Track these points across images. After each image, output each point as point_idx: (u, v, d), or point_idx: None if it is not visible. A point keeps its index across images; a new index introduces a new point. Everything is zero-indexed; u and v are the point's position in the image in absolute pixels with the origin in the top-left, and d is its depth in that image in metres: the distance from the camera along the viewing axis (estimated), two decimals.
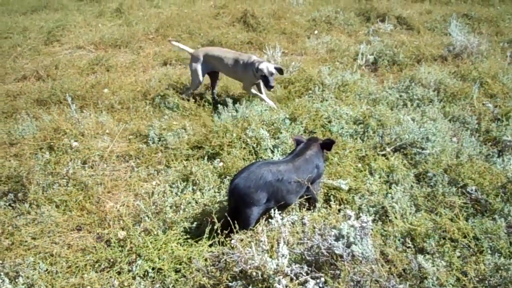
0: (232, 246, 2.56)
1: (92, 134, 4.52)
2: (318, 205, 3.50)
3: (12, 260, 3.08)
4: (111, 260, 3.11)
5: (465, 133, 4.48)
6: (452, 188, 3.55)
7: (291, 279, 2.45)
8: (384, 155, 4.12)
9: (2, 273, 2.90)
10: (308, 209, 3.49)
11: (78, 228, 3.51)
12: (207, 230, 3.14)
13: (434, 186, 3.67)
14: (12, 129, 4.65)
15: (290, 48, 7.62)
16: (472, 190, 3.44)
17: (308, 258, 2.57)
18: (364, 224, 2.73)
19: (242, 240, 2.85)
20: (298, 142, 3.54)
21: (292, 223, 3.18)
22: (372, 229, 2.90)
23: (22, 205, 3.57)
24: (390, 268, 2.78)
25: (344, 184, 3.62)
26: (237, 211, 3.13)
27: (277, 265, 2.44)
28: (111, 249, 3.18)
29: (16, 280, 2.85)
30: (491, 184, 3.49)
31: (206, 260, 2.97)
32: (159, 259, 3.06)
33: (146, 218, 3.35)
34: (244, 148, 4.20)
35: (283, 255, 2.51)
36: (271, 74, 4.97)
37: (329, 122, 4.64)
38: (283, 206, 3.31)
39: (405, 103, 5.17)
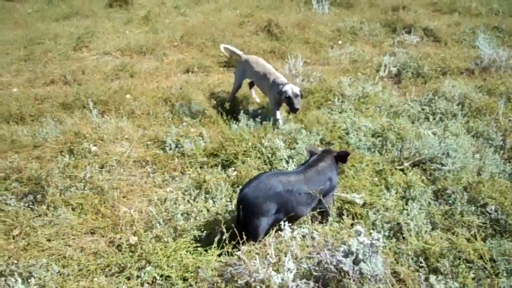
0: (238, 257, 2.54)
1: (111, 139, 4.61)
2: (330, 219, 3.45)
3: (26, 260, 3.15)
4: (121, 265, 3.15)
5: (489, 150, 4.34)
6: (471, 207, 3.43)
7: None
8: (402, 169, 4.03)
9: (16, 273, 2.97)
10: (320, 222, 3.44)
11: (92, 232, 3.57)
12: (216, 239, 3.13)
13: (452, 204, 3.56)
14: (36, 132, 4.79)
15: (313, 58, 7.58)
16: (491, 209, 3.31)
17: (315, 273, 2.52)
18: (374, 241, 2.66)
19: (250, 251, 2.84)
20: (311, 153, 3.50)
21: (302, 236, 3.14)
22: (384, 246, 2.83)
23: (40, 207, 3.67)
24: (401, 287, 2.71)
25: (359, 198, 3.56)
26: (246, 221, 3.12)
27: (283, 279, 2.40)
28: (121, 254, 3.23)
29: (29, 281, 2.91)
30: None
31: (213, 270, 2.95)
32: (167, 266, 3.07)
33: (157, 224, 3.37)
34: (259, 157, 4.19)
35: (289, 269, 2.47)
36: (296, 96, 4.73)
37: (347, 133, 4.58)
38: (293, 218, 3.27)
39: (427, 116, 5.05)
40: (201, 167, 4.23)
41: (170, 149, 4.58)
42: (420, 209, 3.48)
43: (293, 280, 2.50)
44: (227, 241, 2.98)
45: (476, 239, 3.10)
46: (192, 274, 2.99)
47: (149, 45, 8.10)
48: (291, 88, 4.76)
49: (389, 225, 3.35)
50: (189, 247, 3.23)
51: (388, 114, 5.13)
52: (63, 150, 4.38)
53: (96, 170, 4.11)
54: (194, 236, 3.30)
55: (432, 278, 2.67)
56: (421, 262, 2.92)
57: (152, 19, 10.20)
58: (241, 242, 2.91)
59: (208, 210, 3.53)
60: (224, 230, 3.01)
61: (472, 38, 8.06)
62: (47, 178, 3.76)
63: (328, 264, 2.54)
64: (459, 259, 2.93)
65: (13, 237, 3.46)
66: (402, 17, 8.93)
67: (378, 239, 2.68)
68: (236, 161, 4.12)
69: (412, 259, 2.99)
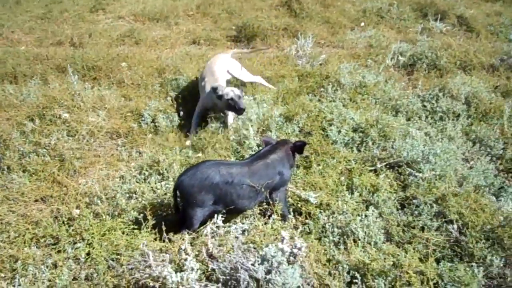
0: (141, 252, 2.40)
1: (88, 107, 4.54)
2: (290, 216, 3.23)
3: None
4: (57, 237, 3.11)
5: (484, 158, 3.93)
6: (434, 222, 3.10)
7: None
8: (374, 170, 3.71)
9: None
10: (269, 217, 3.22)
11: (43, 200, 3.55)
12: (150, 223, 3.02)
13: (418, 216, 3.23)
14: (19, 92, 4.80)
15: (328, 39, 7.15)
16: (453, 228, 2.97)
17: (222, 276, 2.34)
18: (295, 250, 2.44)
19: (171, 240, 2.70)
20: (266, 143, 3.27)
21: (242, 231, 2.96)
22: (308, 256, 2.60)
23: None
24: None
25: (314, 197, 3.30)
26: (181, 209, 2.97)
27: (182, 278, 2.24)
28: (59, 226, 3.18)
29: None
30: (482, 225, 2.99)
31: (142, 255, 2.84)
32: (99, 245, 2.99)
33: (99, 201, 3.29)
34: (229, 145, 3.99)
35: (192, 269, 2.31)
36: (239, 97, 4.25)
37: (330, 125, 4.27)
38: (235, 211, 3.09)
39: (426, 115, 4.63)
40: (170, 149, 4.06)
41: (146, 123, 4.46)
42: (378, 217, 3.19)
43: (199, 280, 2.34)
44: (163, 227, 2.86)
45: (427, 259, 2.79)
46: (119, 256, 2.90)
47: (163, 12, 7.94)
48: (232, 91, 4.28)
49: (340, 230, 3.09)
50: (126, 228, 3.13)
51: (384, 108, 4.74)
52: (34, 114, 4.35)
53: (63, 138, 4.06)
54: (135, 217, 3.19)
55: None
56: (355, 278, 2.67)
57: None
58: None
59: (154, 191, 3.40)
60: (149, 216, 2.87)
61: (510, 31, 7.32)
62: (5, 141, 3.75)
63: (239, 269, 2.35)
64: (399, 280, 2.65)
65: None
66: (436, 2, 8.20)
67: (300, 248, 2.46)
68: (206, 148, 3.94)
69: (348, 272, 2.73)
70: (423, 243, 2.98)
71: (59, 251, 3.02)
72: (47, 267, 2.86)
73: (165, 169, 3.60)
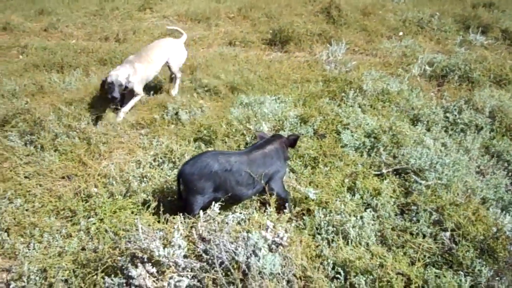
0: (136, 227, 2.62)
1: None
2: (291, 204, 3.36)
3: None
4: (74, 211, 3.42)
5: (499, 172, 3.85)
6: (429, 229, 3.11)
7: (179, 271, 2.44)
8: (380, 175, 3.74)
9: None
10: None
11: (69, 177, 3.89)
12: (153, 205, 3.26)
13: (416, 222, 3.25)
14: (62, 81, 5.25)
15: (362, 47, 7.16)
16: (445, 236, 2.97)
17: (206, 256, 2.52)
18: (276, 239, 2.57)
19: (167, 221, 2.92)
20: (261, 138, 3.45)
21: (238, 222, 3.11)
22: (294, 248, 2.72)
23: (30, 147, 4.08)
24: None
25: (313, 193, 3.40)
26: (183, 196, 3.18)
27: (168, 253, 2.45)
28: (77, 201, 3.50)
29: None
30: (475, 235, 2.97)
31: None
32: (110, 222, 3.27)
33: (114, 182, 3.58)
34: (243, 139, 4.17)
35: (179, 246, 2.51)
36: (120, 84, 4.42)
37: (345, 129, 4.34)
38: (235, 199, 3.26)
39: (447, 125, 4.58)
40: (184, 139, 4.30)
41: (167, 116, 4.73)
42: (375, 220, 3.24)
43: (185, 257, 2.53)
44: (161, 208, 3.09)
45: (414, 264, 2.83)
46: (127, 232, 3.14)
47: (205, 13, 8.28)
48: (115, 75, 4.42)
49: (334, 229, 3.18)
50: (134, 207, 3.39)
51: (405, 116, 4.73)
52: (70, 101, 4.75)
53: (91, 123, 4.42)
54: (144, 199, 3.45)
55: None
56: (338, 273, 2.75)
57: None
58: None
59: (164, 178, 3.64)
60: (153, 199, 3.10)
61: None
62: (42, 122, 4.15)
63: (223, 251, 2.52)
64: (381, 281, 2.70)
65: (3, 169, 3.91)
66: (480, 15, 7.98)
67: (282, 238, 2.59)
68: (215, 141, 4.14)
69: (333, 268, 2.82)
70: (414, 248, 3.00)
71: (74, 224, 3.33)
72: (61, 236, 3.17)
73: (177, 158, 3.84)
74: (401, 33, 7.80)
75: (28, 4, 9.55)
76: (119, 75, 4.43)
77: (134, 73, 4.61)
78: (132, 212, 3.37)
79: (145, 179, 3.61)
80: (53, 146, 4.13)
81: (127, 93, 4.66)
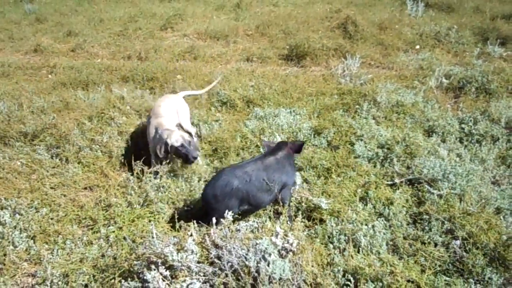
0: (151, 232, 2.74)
1: (137, 112, 5.10)
2: (287, 208, 3.43)
3: (26, 199, 3.76)
4: (95, 220, 3.59)
5: None
6: (440, 238, 3.12)
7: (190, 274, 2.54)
8: (393, 185, 3.78)
9: (9, 208, 3.60)
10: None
11: (91, 188, 4.08)
12: (168, 213, 3.40)
13: (428, 232, 3.26)
14: (86, 97, 5.52)
15: (379, 61, 7.22)
16: (456, 244, 2.98)
17: (217, 261, 2.62)
18: (286, 245, 2.65)
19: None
20: (267, 146, 3.56)
21: (251, 230, 3.20)
22: (305, 255, 2.78)
23: (55, 160, 4.30)
24: None
25: (325, 203, 3.47)
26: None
27: (181, 258, 2.55)
28: (98, 210, 3.66)
29: (15, 216, 3.52)
30: (486, 244, 2.97)
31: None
32: (128, 230, 3.42)
33: (132, 192, 3.73)
34: (256, 151, 4.28)
35: (192, 252, 2.61)
36: (190, 143, 3.90)
37: (359, 140, 4.40)
38: (257, 207, 3.36)
39: (462, 136, 4.58)
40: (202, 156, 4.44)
41: None
42: (387, 229, 3.27)
43: (198, 263, 2.63)
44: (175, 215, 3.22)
45: (424, 271, 2.84)
46: (142, 239, 3.27)
47: (224, 31, 8.53)
48: (181, 136, 3.91)
49: (346, 237, 3.22)
50: (151, 216, 3.53)
51: (420, 128, 4.76)
52: (93, 115, 4.98)
53: (114, 137, 4.62)
54: (161, 208, 3.59)
55: None
56: (348, 280, 2.79)
57: (243, 7, 10.61)
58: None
59: (179, 188, 3.78)
60: (167, 207, 3.22)
61: None
62: (67, 136, 4.37)
63: (234, 256, 2.61)
64: (390, 287, 2.73)
65: (31, 181, 4.13)
66: (499, 27, 7.94)
67: (291, 244, 2.67)
68: (229, 153, 4.27)
69: (344, 275, 2.86)
70: (425, 257, 3.01)
71: (94, 231, 3.49)
72: (82, 243, 3.32)
73: (192, 172, 3.98)
74: (417, 47, 7.83)
75: (57, 26, 10.03)
76: (183, 135, 3.96)
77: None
78: (149, 221, 3.50)
79: (161, 189, 3.75)
80: (77, 159, 4.33)
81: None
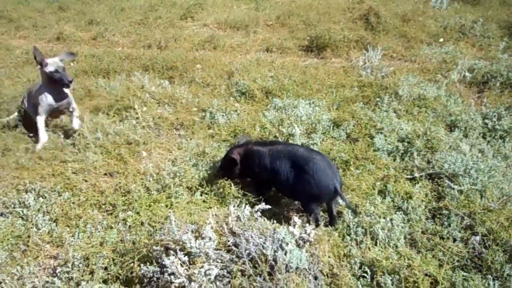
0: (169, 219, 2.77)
1: (158, 100, 5.15)
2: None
3: (49, 183, 3.85)
4: (115, 205, 3.65)
5: None
6: (459, 233, 3.08)
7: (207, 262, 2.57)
8: (412, 179, 3.73)
9: (33, 191, 3.69)
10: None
11: (111, 174, 4.14)
12: (186, 199, 3.44)
13: (447, 227, 3.22)
14: (106, 85, 5.59)
15: (401, 53, 7.10)
16: (476, 240, 2.93)
17: (235, 248, 2.64)
18: (303, 235, 2.65)
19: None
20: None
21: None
22: (322, 246, 2.78)
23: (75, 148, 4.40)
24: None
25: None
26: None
27: (199, 244, 2.58)
28: (117, 196, 3.72)
29: (39, 199, 3.61)
30: (506, 240, 2.92)
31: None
32: (145, 215, 3.47)
33: (151, 179, 3.78)
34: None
35: (210, 239, 2.64)
36: (63, 68, 4.39)
37: (379, 133, 4.35)
38: None
39: (485, 132, 4.49)
40: (221, 141, 4.46)
41: (203, 118, 4.92)
42: (405, 223, 3.24)
43: (216, 250, 2.66)
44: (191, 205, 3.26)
45: (442, 266, 2.82)
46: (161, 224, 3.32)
47: (244, 21, 8.49)
48: (54, 62, 4.35)
49: (363, 230, 3.21)
50: (168, 202, 3.57)
51: (442, 122, 4.67)
52: (113, 103, 5.04)
53: (132, 125, 4.68)
54: (177, 192, 3.63)
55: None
56: (365, 272, 2.79)
57: None
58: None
59: (197, 175, 3.81)
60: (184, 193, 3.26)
61: None
62: (86, 123, 4.45)
63: (251, 244, 2.62)
64: (408, 281, 2.71)
65: (53, 166, 4.22)
66: None
67: (309, 234, 2.67)
68: None
69: (360, 267, 2.86)
70: (443, 251, 2.98)
71: (114, 216, 3.55)
72: (102, 227, 3.39)
73: (209, 160, 4.02)
74: (441, 40, 7.66)
75: (79, 15, 10.15)
76: (55, 60, 4.45)
77: None
78: (166, 206, 3.55)
79: (178, 174, 3.79)
80: (97, 145, 4.40)
81: None
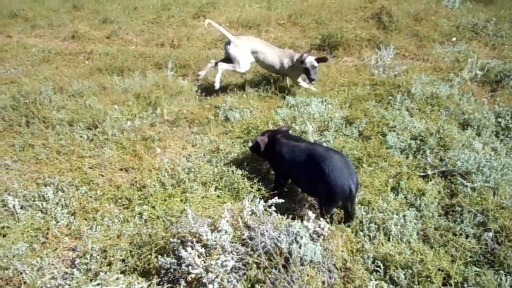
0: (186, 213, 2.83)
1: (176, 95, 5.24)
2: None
3: (67, 178, 3.94)
4: (130, 199, 3.73)
5: None
6: (471, 229, 3.10)
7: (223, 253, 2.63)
8: (425, 176, 3.75)
9: (52, 185, 3.78)
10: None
11: (126, 170, 4.22)
12: (200, 194, 3.50)
13: (460, 223, 3.24)
14: (121, 82, 5.68)
15: (413, 52, 7.10)
16: (488, 236, 2.95)
17: (250, 242, 2.69)
18: (317, 229, 2.70)
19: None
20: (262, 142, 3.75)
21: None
22: (336, 240, 2.83)
23: (91, 143, 4.48)
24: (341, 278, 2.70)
25: None
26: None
27: (215, 237, 2.64)
28: (133, 191, 3.80)
29: (58, 193, 3.70)
30: None
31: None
32: (160, 209, 3.54)
33: (166, 174, 3.85)
34: None
35: (226, 232, 2.69)
36: (314, 67, 5.20)
37: (391, 131, 4.38)
38: None
39: (497, 131, 4.48)
40: (235, 138, 4.52)
41: (217, 115, 4.98)
42: (418, 219, 3.27)
43: (232, 243, 2.72)
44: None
45: (454, 262, 2.84)
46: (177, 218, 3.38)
47: (256, 20, 8.54)
48: (310, 60, 5.22)
49: (376, 226, 3.24)
50: (183, 196, 3.64)
51: (455, 121, 4.68)
52: (130, 99, 5.13)
53: (147, 122, 4.75)
54: (191, 187, 3.70)
55: (373, 282, 2.59)
56: (378, 267, 2.82)
57: None
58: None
59: (212, 171, 3.87)
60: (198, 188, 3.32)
61: None
62: (99, 121, 4.54)
63: (266, 237, 2.67)
64: (421, 276, 2.74)
65: (71, 161, 4.31)
66: None
67: (323, 228, 2.71)
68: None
69: (373, 262, 2.89)
70: (456, 247, 3.00)
71: (130, 210, 3.62)
72: (118, 220, 3.47)
73: (223, 156, 4.07)
74: (454, 39, 7.64)
75: (93, 14, 10.29)
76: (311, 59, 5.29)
77: None
78: (181, 200, 3.61)
79: (192, 170, 3.85)
80: (113, 141, 4.48)
81: None
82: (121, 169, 4.22)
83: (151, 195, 3.66)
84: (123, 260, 3.04)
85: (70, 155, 4.35)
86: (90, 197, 3.77)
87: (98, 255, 3.07)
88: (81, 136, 4.61)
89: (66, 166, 4.15)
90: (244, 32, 8.28)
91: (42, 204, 3.63)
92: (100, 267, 2.99)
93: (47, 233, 3.40)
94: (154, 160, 4.26)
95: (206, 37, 7.81)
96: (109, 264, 3.03)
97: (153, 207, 3.56)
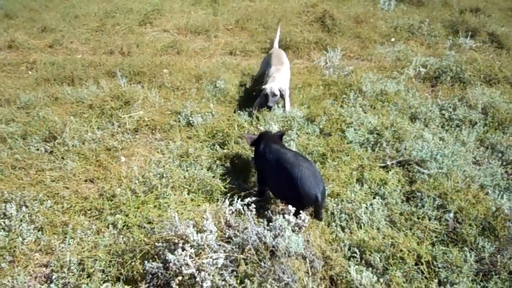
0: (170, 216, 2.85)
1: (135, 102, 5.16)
2: None
3: (27, 193, 3.76)
4: (100, 210, 3.65)
5: (494, 162, 4.15)
6: (432, 212, 3.39)
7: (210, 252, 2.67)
8: (385, 167, 4.02)
9: (14, 201, 3.60)
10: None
11: (91, 180, 4.11)
12: (177, 198, 3.51)
13: (421, 208, 3.52)
14: (75, 91, 5.50)
15: (357, 53, 7.51)
16: (450, 217, 3.24)
17: (235, 239, 2.76)
18: (299, 221, 2.82)
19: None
20: (251, 139, 3.87)
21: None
22: (313, 232, 2.97)
23: (51, 155, 4.32)
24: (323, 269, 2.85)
25: None
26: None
27: (201, 238, 2.68)
28: (103, 201, 3.72)
29: (21, 209, 3.53)
30: (476, 215, 3.25)
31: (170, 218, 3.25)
32: (134, 216, 3.50)
33: (136, 181, 3.81)
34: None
35: (210, 231, 2.74)
36: (274, 95, 4.94)
37: (348, 127, 4.63)
38: None
39: (443, 122, 4.89)
40: (201, 142, 4.56)
41: (179, 121, 4.98)
42: (383, 206, 3.51)
43: (217, 241, 2.77)
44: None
45: (423, 242, 3.09)
46: (150, 224, 3.36)
47: (204, 26, 8.59)
48: (270, 87, 4.95)
49: (346, 216, 3.43)
50: (155, 202, 3.63)
51: (403, 115, 5.03)
52: (86, 109, 4.99)
53: (110, 130, 4.65)
54: (164, 192, 3.69)
55: (353, 267, 2.76)
56: (354, 253, 3.00)
57: (220, 2, 10.66)
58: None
59: (185, 177, 3.88)
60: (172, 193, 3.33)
61: None
62: (58, 132, 4.40)
63: (251, 234, 2.76)
64: (394, 257, 2.96)
65: (30, 175, 4.12)
66: (467, 20, 8.40)
67: (304, 220, 2.84)
68: (230, 143, 4.40)
69: (349, 249, 3.07)
70: (422, 229, 3.26)
71: (101, 221, 3.55)
72: (91, 232, 3.38)
73: (193, 159, 4.10)
74: (393, 39, 8.17)
75: (29, 22, 9.76)
76: (272, 87, 4.99)
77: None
78: (155, 206, 3.60)
79: (164, 175, 3.85)
80: (74, 153, 4.34)
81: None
82: (85, 180, 4.10)
83: (123, 203, 3.60)
84: (102, 271, 2.98)
85: (28, 169, 4.16)
86: (57, 210, 3.64)
87: (75, 268, 2.99)
88: (37, 149, 4.42)
89: (27, 180, 3.97)
90: (193, 38, 8.31)
91: (4, 222, 3.45)
92: (80, 280, 2.92)
93: (14, 251, 3.24)
94: (120, 168, 4.19)
95: (156, 44, 7.74)
96: (89, 276, 2.96)
97: (127, 215, 3.51)
